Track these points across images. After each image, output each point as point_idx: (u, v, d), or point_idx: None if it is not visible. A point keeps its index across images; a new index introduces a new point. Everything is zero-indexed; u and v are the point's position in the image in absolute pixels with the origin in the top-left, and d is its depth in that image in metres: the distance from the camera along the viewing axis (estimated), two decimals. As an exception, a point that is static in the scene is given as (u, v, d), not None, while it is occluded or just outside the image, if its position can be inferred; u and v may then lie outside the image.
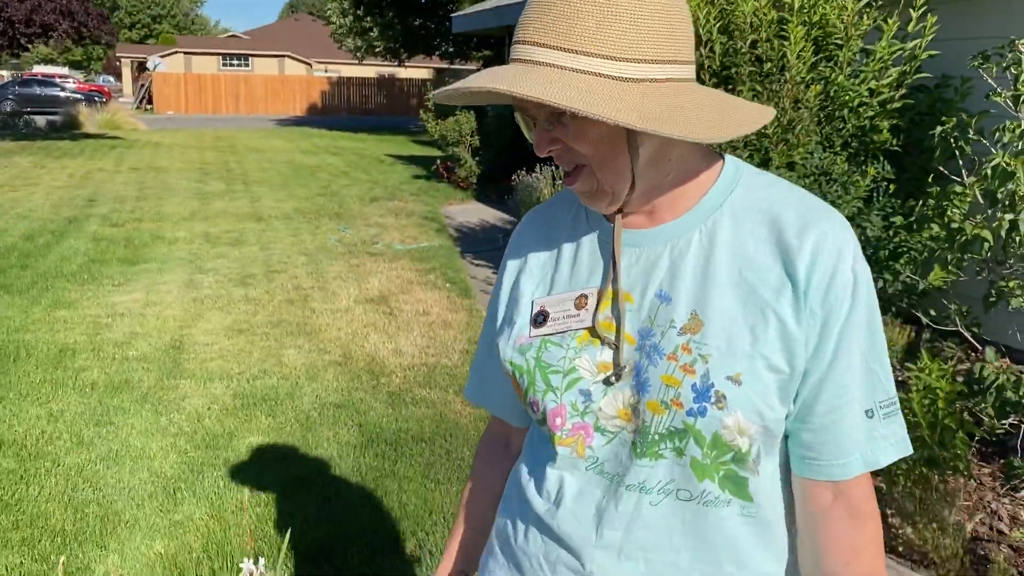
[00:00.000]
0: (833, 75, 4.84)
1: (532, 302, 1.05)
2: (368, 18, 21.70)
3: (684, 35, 0.91)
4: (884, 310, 4.97)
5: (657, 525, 0.95)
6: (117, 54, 50.21)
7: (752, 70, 4.94)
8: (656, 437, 0.93)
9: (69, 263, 7.02)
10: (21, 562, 2.82)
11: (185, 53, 43.21)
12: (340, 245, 8.09)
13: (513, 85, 0.83)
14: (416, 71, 43.54)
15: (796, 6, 4.78)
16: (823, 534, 0.96)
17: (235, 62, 43.68)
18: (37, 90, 33.94)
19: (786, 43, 4.73)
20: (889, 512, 3.08)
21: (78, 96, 33.35)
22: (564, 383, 0.98)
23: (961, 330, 4.15)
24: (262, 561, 2.00)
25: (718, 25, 5.00)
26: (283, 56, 44.43)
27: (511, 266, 1.12)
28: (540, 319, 1.03)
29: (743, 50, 4.91)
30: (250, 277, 6.72)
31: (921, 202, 4.68)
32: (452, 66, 30.53)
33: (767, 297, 0.92)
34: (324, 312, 5.79)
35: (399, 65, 24.76)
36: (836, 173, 4.77)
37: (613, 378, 0.95)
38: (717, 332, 0.91)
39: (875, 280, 4.80)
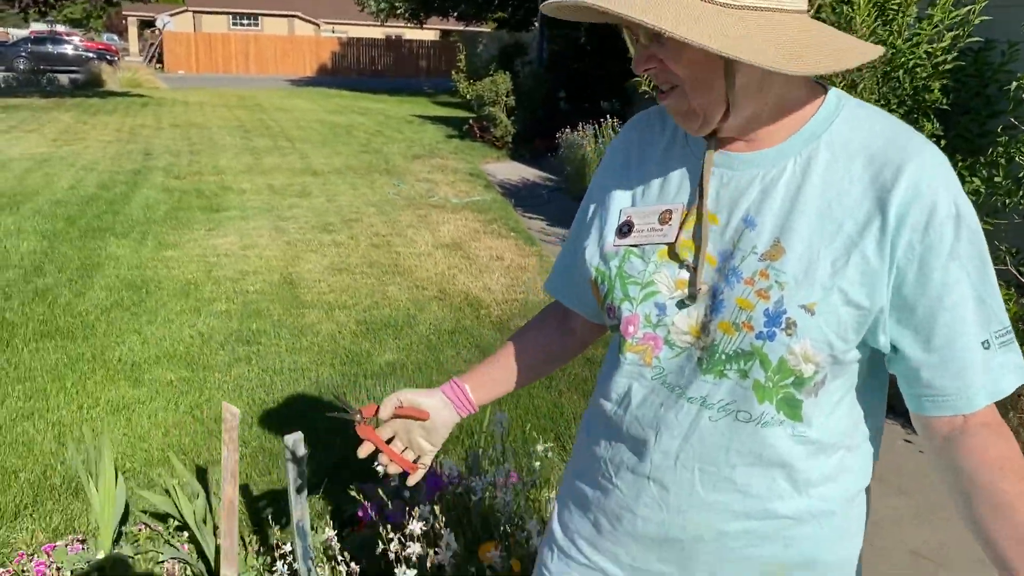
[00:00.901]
0: (891, 38, 5.29)
1: (620, 211, 1.08)
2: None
3: None
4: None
5: (713, 439, 1.00)
6: (123, 12, 49.99)
7: None
8: (723, 357, 0.96)
9: (154, 210, 7.48)
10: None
11: (194, 12, 43.08)
12: (399, 198, 8.55)
13: (610, 3, 0.86)
14: (423, 33, 43.51)
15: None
16: (965, 451, 0.95)
17: (245, 21, 43.59)
18: (50, 48, 33.99)
19: (850, 8, 5.17)
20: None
21: (90, 55, 33.49)
22: (641, 295, 1.02)
23: (1011, 269, 4.66)
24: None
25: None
26: (292, 16, 44.33)
27: (606, 172, 1.15)
28: (625, 229, 1.06)
29: (810, 13, 5.35)
30: (330, 225, 7.19)
31: (967, 158, 5.16)
32: (461, 28, 30.77)
33: (852, 232, 0.93)
34: (409, 255, 6.28)
35: (418, 26, 24.95)
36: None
37: (688, 299, 0.99)
38: (796, 261, 0.93)
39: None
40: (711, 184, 1.00)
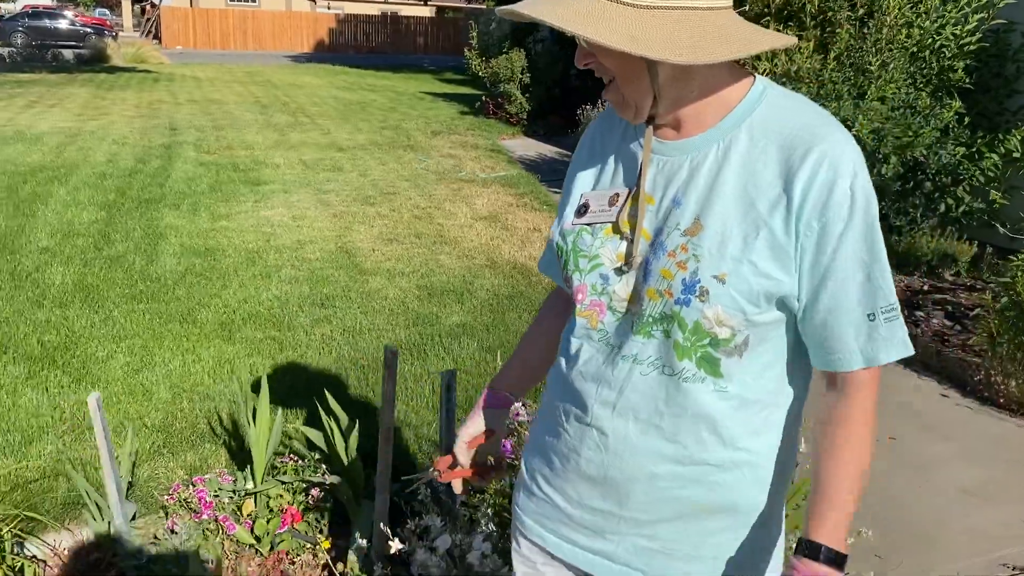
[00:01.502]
0: (918, 20, 5.58)
1: (581, 195, 1.23)
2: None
3: None
4: (945, 228, 5.77)
5: (644, 391, 1.12)
6: (117, -13, 49.57)
7: (848, 14, 5.66)
8: (650, 319, 1.10)
9: (197, 183, 7.73)
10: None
11: (190, -14, 42.76)
12: (431, 173, 8.81)
13: (528, 8, 1.00)
14: (418, 9, 43.47)
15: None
16: (831, 403, 1.11)
17: (242, -3, 43.34)
18: (47, 23, 33.78)
19: (883, -10, 5.46)
20: (993, 371, 3.95)
21: (88, 30, 33.37)
22: (588, 266, 1.17)
23: (1029, 241, 4.98)
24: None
25: (819, -25, 5.71)
26: (289, -8, 44.10)
27: (575, 161, 1.30)
28: (583, 210, 1.20)
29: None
30: (370, 198, 7.46)
31: (986, 135, 5.47)
32: (459, 5, 30.88)
33: (762, 210, 1.04)
34: (451, 227, 6.57)
35: (416, 2, 25.02)
36: (920, 107, 5.54)
37: (624, 267, 1.13)
38: (712, 236, 1.06)
39: (939, 203, 5.60)
40: (650, 169, 1.13)
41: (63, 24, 33.70)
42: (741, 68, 1.12)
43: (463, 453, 1.42)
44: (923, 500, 3.16)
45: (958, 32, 5.49)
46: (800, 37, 5.74)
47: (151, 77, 18.77)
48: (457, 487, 1.44)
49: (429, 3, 27.51)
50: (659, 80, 1.05)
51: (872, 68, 5.33)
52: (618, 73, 1.07)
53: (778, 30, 5.75)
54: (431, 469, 1.43)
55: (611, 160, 1.21)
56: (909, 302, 5.09)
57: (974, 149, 5.73)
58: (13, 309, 4.43)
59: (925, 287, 5.41)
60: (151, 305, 4.58)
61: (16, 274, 4.97)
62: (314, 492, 2.69)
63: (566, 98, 13.08)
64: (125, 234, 5.90)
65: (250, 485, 2.76)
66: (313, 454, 2.83)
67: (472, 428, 1.42)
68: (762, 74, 5.57)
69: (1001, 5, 5.49)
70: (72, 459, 3.04)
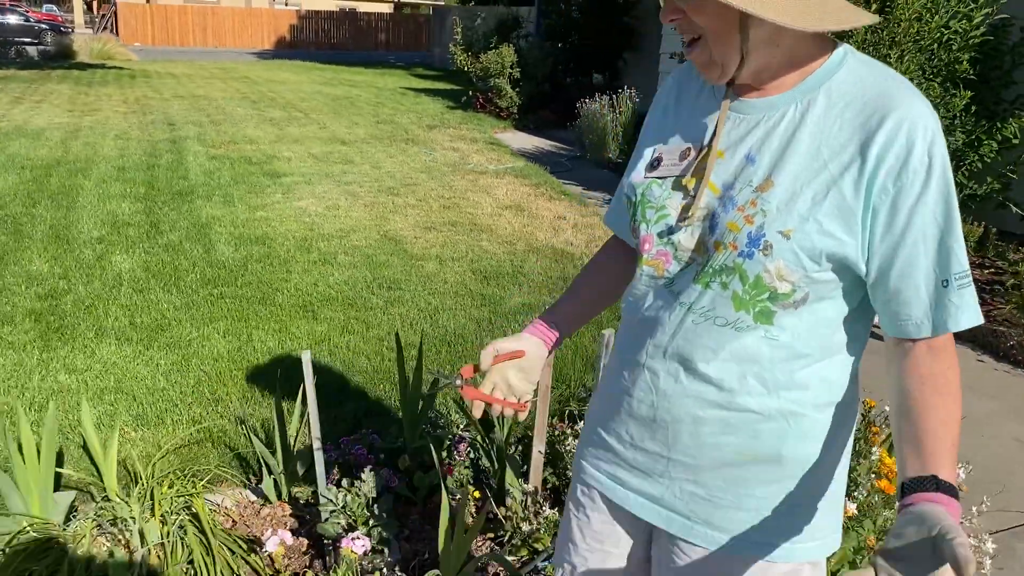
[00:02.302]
0: (927, 15, 5.97)
1: (654, 149, 1.25)
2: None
3: None
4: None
5: (695, 337, 1.16)
6: (67, -18, 48.54)
7: (863, 7, 6.03)
8: (710, 270, 1.13)
9: (218, 176, 7.84)
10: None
11: (146, -18, 42.09)
12: (444, 166, 9.02)
13: None
14: (376, 5, 43.43)
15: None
16: (903, 366, 1.10)
17: (201, -7, 42.80)
18: (4, 18, 33.01)
19: (897, -11, 5.82)
20: (1007, 326, 4.34)
21: (43, 26, 32.73)
22: (655, 217, 1.20)
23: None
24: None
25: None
26: (248, -12, 43.67)
27: (651, 116, 1.32)
28: (655, 163, 1.23)
29: (859, -8, 5.99)
30: (392, 189, 7.66)
31: (985, 123, 5.89)
32: (420, 1, 31.08)
33: (834, 171, 1.06)
34: (481, 216, 6.80)
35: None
36: (932, 96, 5.93)
37: (685, 220, 1.16)
38: (781, 193, 1.08)
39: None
40: (725, 126, 1.16)
41: (16, 20, 32.94)
42: (826, 36, 1.13)
43: (487, 360, 1.38)
44: (987, 450, 3.50)
45: (964, 27, 5.88)
46: (818, 32, 6.11)
47: (126, 74, 18.58)
48: (476, 411, 1.40)
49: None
50: (750, 41, 1.07)
51: (891, 60, 5.70)
52: (710, 31, 1.08)
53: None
54: (455, 374, 1.39)
55: (687, 116, 1.23)
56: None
57: (973, 137, 6.14)
58: (93, 294, 4.56)
59: (940, 265, 5.81)
60: (227, 289, 4.74)
61: (82, 262, 5.08)
62: (460, 447, 2.93)
63: (555, 93, 13.37)
64: (171, 224, 6.02)
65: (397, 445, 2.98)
66: (460, 416, 3.06)
67: (507, 343, 1.39)
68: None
69: (1004, 0, 5.90)
70: (211, 429, 3.23)
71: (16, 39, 29.12)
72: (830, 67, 1.11)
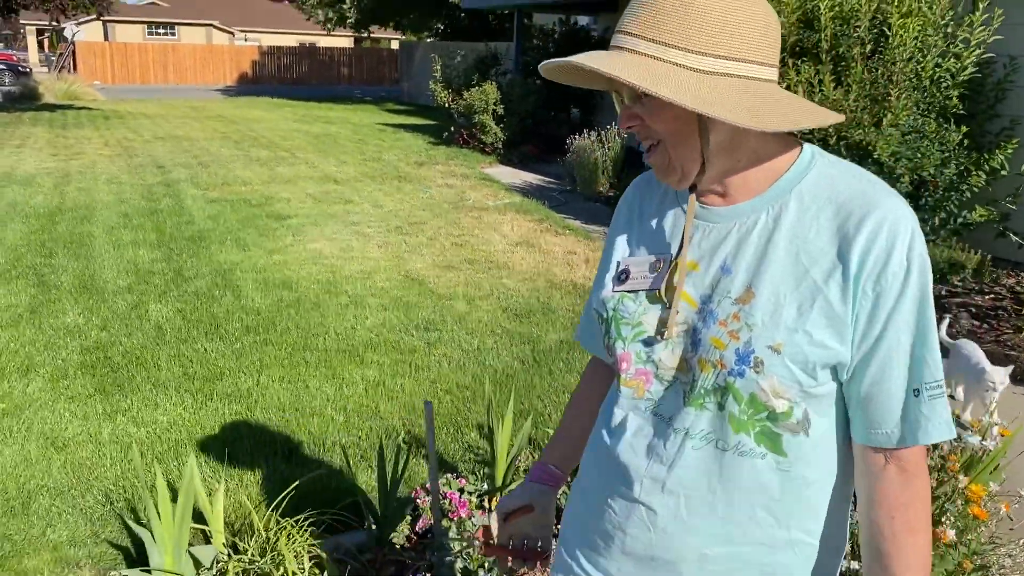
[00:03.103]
0: (918, 55, 6.29)
1: (619, 261, 1.20)
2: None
3: (764, 39, 1.02)
4: (952, 239, 6.47)
5: (696, 467, 1.08)
6: (20, 21, 48.06)
7: (859, 49, 6.34)
8: (702, 391, 1.06)
9: (224, 220, 7.88)
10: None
11: (105, 21, 41.87)
12: (445, 203, 9.16)
13: (596, 63, 0.99)
14: (336, 40, 43.66)
15: (895, 2, 6.20)
16: (873, 489, 1.06)
17: (160, 31, 42.68)
18: (-46, 60, 32.52)
19: (889, 30, 6.15)
20: (1019, 350, 4.58)
21: (1, 67, 32.35)
22: (631, 334, 1.13)
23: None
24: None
25: (831, 14, 6.37)
26: (209, 25, 43.64)
27: (614, 227, 1.27)
28: (623, 276, 1.18)
29: (853, 34, 6.30)
30: (400, 228, 7.77)
31: (973, 155, 6.23)
32: (366, 35, 31.32)
33: (817, 278, 1.02)
34: (495, 253, 6.94)
35: (326, 31, 25.33)
36: (928, 131, 6.24)
37: (663, 335, 1.10)
38: (764, 305, 1.03)
39: (935, 216, 6.31)
40: (694, 236, 1.12)
41: (-27, 62, 32.51)
42: (790, 136, 1.12)
43: (498, 526, 1.37)
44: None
45: (953, 66, 6.22)
46: (816, 72, 6.39)
47: (98, 114, 18.47)
48: (502, 566, 1.39)
49: (333, 33, 27.63)
50: (710, 145, 1.05)
51: (892, 98, 6.00)
52: (668, 136, 1.06)
53: (794, 64, 6.39)
54: (472, 537, 1.44)
55: (651, 225, 1.20)
56: (936, 305, 5.74)
57: (963, 168, 6.47)
58: (138, 345, 4.60)
59: (943, 292, 6.07)
60: (268, 336, 4.81)
61: (117, 313, 5.11)
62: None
63: (536, 128, 13.62)
64: (195, 271, 6.07)
65: (484, 486, 3.09)
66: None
67: (511, 501, 1.36)
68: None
69: (989, 41, 6.25)
70: (297, 478, 3.30)
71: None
72: (799, 169, 1.09)
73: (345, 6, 22.92)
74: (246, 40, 45.49)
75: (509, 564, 1.37)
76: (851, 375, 1.05)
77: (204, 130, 15.81)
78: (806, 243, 1.04)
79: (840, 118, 1.08)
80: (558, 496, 1.41)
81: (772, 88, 1.04)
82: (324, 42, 44.10)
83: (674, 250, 1.14)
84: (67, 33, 40.95)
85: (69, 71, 37.52)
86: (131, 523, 2.81)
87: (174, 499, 2.53)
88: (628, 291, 1.16)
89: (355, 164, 11.90)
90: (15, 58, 38.57)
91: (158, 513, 2.40)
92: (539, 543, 1.38)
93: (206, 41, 42.92)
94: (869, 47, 6.35)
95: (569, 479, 1.39)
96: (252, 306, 5.32)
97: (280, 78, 40.25)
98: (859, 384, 1.05)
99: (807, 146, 1.11)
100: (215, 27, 44.36)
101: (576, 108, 14.37)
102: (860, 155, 6.07)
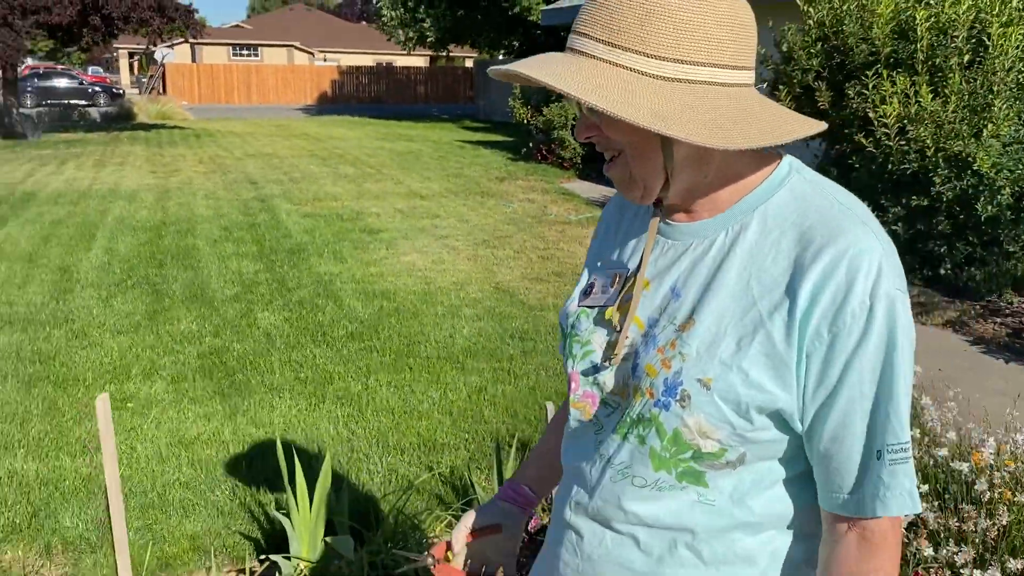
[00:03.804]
0: (1020, 64, 6.17)
1: (590, 274, 1.12)
2: (420, 9, 22.91)
3: (733, 40, 0.90)
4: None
5: (615, 496, 1.00)
6: (114, 45, 50.38)
7: (957, 59, 6.24)
8: (628, 420, 0.98)
9: (317, 234, 8.16)
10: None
11: (192, 43, 43.58)
12: (524, 216, 9.30)
13: (536, 72, 0.89)
14: (411, 59, 44.50)
15: (995, 10, 6.10)
16: (830, 556, 0.95)
17: (245, 52, 44.24)
18: (55, 82, 34.19)
19: (989, 39, 6.04)
20: None
21: (97, 88, 34.00)
22: (580, 353, 1.05)
23: None
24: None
25: (927, 24, 6.29)
26: (290, 46, 45.05)
27: (594, 237, 1.19)
28: (588, 290, 1.09)
29: (951, 44, 6.21)
30: (487, 241, 7.93)
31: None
32: (444, 54, 31.97)
33: (763, 312, 0.91)
34: (581, 265, 6.99)
35: (406, 51, 25.85)
36: (1031, 142, 6.10)
37: (609, 360, 1.01)
38: (702, 334, 0.93)
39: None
40: (653, 252, 1.02)
41: (69, 84, 34.20)
42: (767, 150, 0.99)
43: (459, 542, 1.25)
44: None
45: (1056, 75, 6.08)
46: (912, 83, 6.31)
47: (190, 133, 19.26)
48: None
49: (413, 53, 28.22)
50: (673, 160, 0.94)
51: (994, 108, 5.90)
52: (628, 148, 0.95)
53: (889, 75, 6.33)
54: (425, 554, 1.27)
55: (621, 239, 1.11)
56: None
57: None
58: (250, 350, 4.83)
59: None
60: (372, 343, 4.99)
61: (228, 320, 5.37)
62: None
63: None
64: (296, 281, 6.32)
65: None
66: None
67: (477, 518, 1.26)
68: (886, 117, 6.13)
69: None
70: (409, 477, 3.43)
71: (69, 101, 30.26)
72: (769, 187, 0.97)
73: (425, 25, 23.44)
74: (325, 60, 46.74)
75: None
76: (809, 429, 0.93)
77: (291, 148, 16.35)
78: (760, 271, 0.93)
79: (823, 126, 0.95)
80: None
81: (744, 94, 0.92)
82: (400, 61, 45.02)
83: (632, 266, 1.05)
84: (157, 56, 42.80)
85: (159, 92, 39.23)
86: (274, 512, 2.98)
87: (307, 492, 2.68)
88: (588, 306, 1.07)
89: (438, 180, 12.15)
90: (108, 80, 40.52)
91: (296, 504, 2.55)
92: (498, 569, 1.29)
93: (287, 62, 44.30)
94: (967, 57, 6.24)
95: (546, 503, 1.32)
96: (354, 315, 5.52)
97: (358, 97, 41.26)
98: (818, 440, 0.92)
99: (786, 160, 0.99)
100: (296, 48, 45.75)
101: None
102: (959, 167, 5.98)
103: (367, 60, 45.99)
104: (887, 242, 0.92)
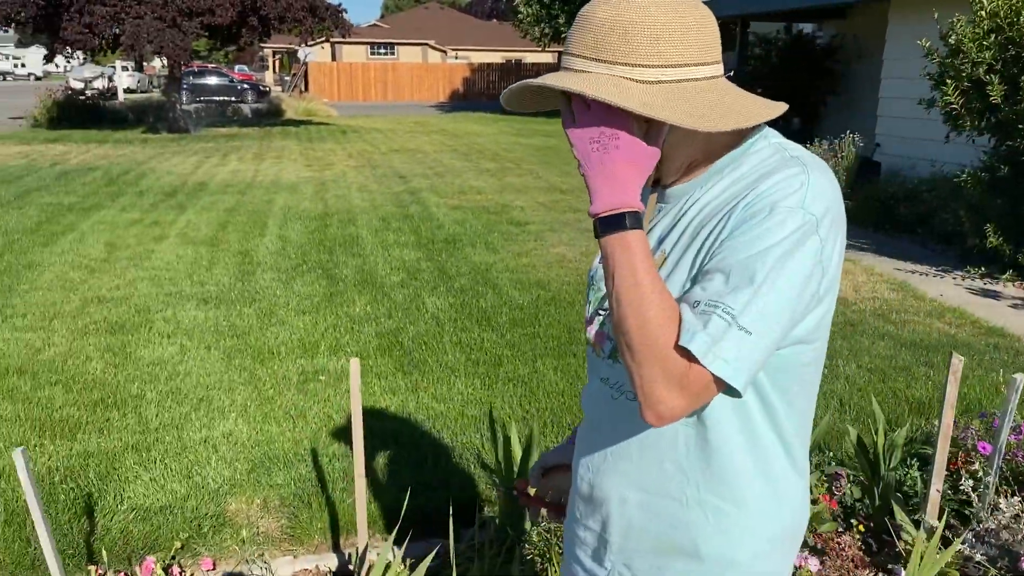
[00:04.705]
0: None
1: None
2: (555, 5, 23.17)
3: (695, 40, 1.05)
4: None
5: (615, 414, 1.17)
6: (262, 45, 52.99)
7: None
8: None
9: (468, 226, 8.47)
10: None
11: (332, 43, 45.36)
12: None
13: (539, 81, 1.07)
14: (540, 56, 44.80)
15: None
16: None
17: (382, 51, 45.72)
18: (207, 80, 36.20)
19: None
20: None
21: (246, 86, 35.90)
22: (593, 300, 1.24)
23: None
24: None
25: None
26: (424, 44, 46.24)
27: None
28: None
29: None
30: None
31: None
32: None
33: (703, 238, 1.07)
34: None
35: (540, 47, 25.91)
36: None
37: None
38: (665, 272, 1.10)
39: None
40: (654, 217, 1.19)
41: (217, 81, 36.22)
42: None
43: (536, 478, 1.49)
44: None
45: None
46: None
47: (336, 129, 20.16)
48: (533, 515, 1.56)
49: (546, 49, 28.41)
50: (665, 144, 1.09)
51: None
52: None
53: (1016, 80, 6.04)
54: (512, 487, 1.56)
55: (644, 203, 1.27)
56: None
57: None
58: (423, 332, 5.13)
59: None
60: (534, 329, 5.21)
61: (398, 304, 5.71)
62: (840, 482, 3.16)
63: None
64: (456, 270, 6.62)
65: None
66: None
67: (551, 457, 1.49)
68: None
69: None
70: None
71: (218, 98, 32.11)
72: (739, 152, 1.11)
73: (560, 22, 23.67)
74: (456, 58, 47.72)
75: (541, 514, 1.47)
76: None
77: (432, 143, 16.88)
78: (713, 211, 1.07)
79: (783, 107, 1.10)
80: None
81: (714, 85, 1.07)
82: (529, 58, 45.51)
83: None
84: (300, 55, 44.78)
85: (301, 90, 41.09)
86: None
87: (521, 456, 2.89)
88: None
89: (578, 174, 12.28)
90: (255, 78, 42.70)
91: (503, 469, 2.76)
92: (564, 498, 1.48)
93: (422, 60, 45.47)
94: None
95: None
96: (514, 302, 5.75)
97: (489, 94, 41.97)
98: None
99: (761, 132, 1.13)
100: (430, 46, 46.90)
101: (797, 118, 14.10)
102: None
103: (496, 57, 46.71)
104: (823, 182, 1.03)
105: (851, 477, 3.19)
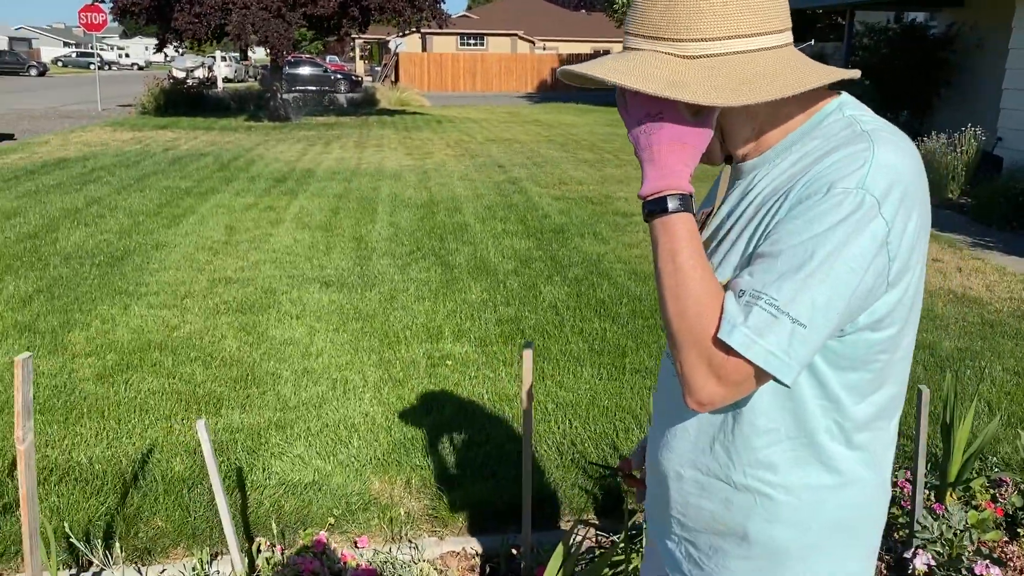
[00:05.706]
0: None
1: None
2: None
3: (742, 10, 1.00)
4: None
5: (676, 394, 1.14)
6: (353, 36, 53.90)
7: None
8: None
9: (574, 216, 8.44)
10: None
11: (422, 33, 45.83)
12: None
13: (589, 69, 1.03)
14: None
15: None
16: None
17: (472, 42, 45.99)
18: (303, 70, 36.95)
19: None
20: None
21: (339, 76, 36.58)
22: None
23: None
24: None
25: None
26: (513, 35, 46.30)
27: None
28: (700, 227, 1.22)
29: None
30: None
31: None
32: None
33: (762, 216, 1.04)
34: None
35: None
36: None
37: None
38: (724, 247, 1.09)
39: None
40: (726, 190, 1.17)
41: (310, 71, 36.94)
42: (817, 93, 1.08)
43: (637, 457, 1.52)
44: None
45: None
46: None
47: (431, 119, 20.38)
48: (639, 496, 1.50)
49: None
50: (725, 119, 1.08)
51: None
52: None
53: None
54: (615, 470, 1.53)
55: (715, 189, 1.25)
56: None
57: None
58: (543, 320, 5.14)
59: None
60: (654, 321, 5.15)
61: (512, 291, 5.73)
62: (1005, 487, 3.02)
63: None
64: (567, 259, 6.61)
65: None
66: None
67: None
68: None
69: None
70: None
71: (313, 88, 32.79)
72: (810, 125, 1.07)
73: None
74: (544, 49, 47.64)
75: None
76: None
77: (527, 133, 16.90)
78: (775, 191, 1.03)
79: (846, 73, 1.03)
80: None
81: (767, 56, 1.02)
82: (617, 49, 45.10)
83: (714, 204, 1.20)
84: (391, 45, 45.40)
85: (392, 80, 41.67)
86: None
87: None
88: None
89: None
90: (347, 68, 43.48)
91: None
92: None
93: (511, 50, 45.53)
94: None
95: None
96: (631, 293, 5.71)
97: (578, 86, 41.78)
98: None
99: (835, 100, 1.08)
100: (519, 37, 46.93)
101: (906, 111, 13.59)
102: None
103: (585, 48, 46.43)
104: (891, 158, 0.97)
105: (1018, 484, 3.05)
